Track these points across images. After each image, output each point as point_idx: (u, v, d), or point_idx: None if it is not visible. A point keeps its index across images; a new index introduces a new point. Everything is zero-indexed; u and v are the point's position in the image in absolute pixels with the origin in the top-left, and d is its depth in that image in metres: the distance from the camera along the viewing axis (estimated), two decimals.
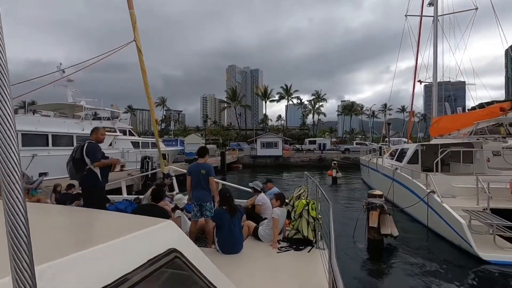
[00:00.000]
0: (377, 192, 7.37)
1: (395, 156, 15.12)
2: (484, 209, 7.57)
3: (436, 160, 10.22)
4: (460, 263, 6.52)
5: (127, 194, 8.87)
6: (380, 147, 18.37)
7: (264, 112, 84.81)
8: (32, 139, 12.87)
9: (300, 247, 4.12)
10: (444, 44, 16.35)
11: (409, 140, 19.75)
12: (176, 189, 8.11)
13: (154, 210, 4.18)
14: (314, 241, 4.26)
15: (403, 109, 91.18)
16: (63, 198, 6.52)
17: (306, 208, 4.37)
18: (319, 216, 4.42)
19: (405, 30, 17.11)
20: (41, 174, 11.38)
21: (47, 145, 13.56)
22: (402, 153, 14.48)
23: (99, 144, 4.48)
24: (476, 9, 15.28)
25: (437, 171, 10.30)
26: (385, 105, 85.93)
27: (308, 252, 4.03)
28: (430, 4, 16.21)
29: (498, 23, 14.14)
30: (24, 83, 6.69)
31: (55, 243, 1.11)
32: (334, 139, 70.09)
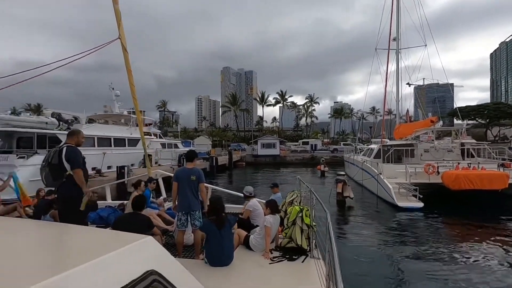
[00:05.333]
0: (342, 172, 12.71)
1: (367, 153, 20.45)
2: (409, 183, 12.85)
3: (387, 155, 15.51)
4: (389, 209, 11.93)
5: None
6: (355, 147, 23.78)
7: (258, 114, 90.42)
8: (102, 141, 17.69)
9: (294, 257, 3.96)
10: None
11: (384, 140, 25.17)
12: (164, 194, 7.84)
13: (136, 220, 3.99)
14: (308, 250, 4.05)
15: (389, 112, 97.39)
16: (41, 203, 6.09)
17: (300, 215, 4.17)
18: (314, 224, 4.20)
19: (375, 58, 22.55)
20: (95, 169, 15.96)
21: (111, 145, 18.38)
22: (371, 151, 19.80)
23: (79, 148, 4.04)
24: (425, 45, 20.81)
25: (388, 162, 15.61)
26: (374, 108, 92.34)
27: (302, 262, 3.86)
28: (394, 39, 21.58)
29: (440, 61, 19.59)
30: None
31: (16, 271, 0.98)
32: (326, 140, 75.70)
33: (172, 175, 7.49)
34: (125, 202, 6.57)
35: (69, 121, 16.29)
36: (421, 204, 11.43)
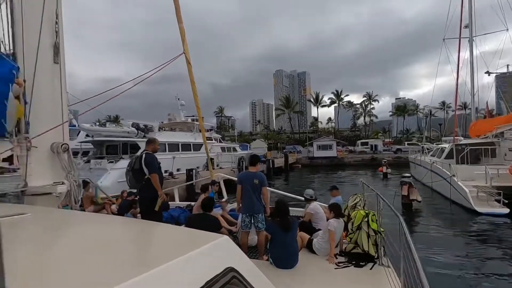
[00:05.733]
0: (407, 174, 12.03)
1: (437, 154, 18.78)
2: (490, 186, 11.53)
3: (461, 155, 14.12)
4: (466, 215, 10.91)
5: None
6: (423, 147, 21.95)
7: (313, 115, 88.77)
8: (172, 147, 19.73)
9: (361, 263, 3.81)
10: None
11: (456, 138, 22.63)
12: (225, 196, 8.18)
13: (206, 220, 4.23)
14: (376, 257, 3.88)
15: (464, 106, 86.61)
16: (123, 204, 7.05)
17: (366, 219, 4.03)
18: (382, 230, 4.00)
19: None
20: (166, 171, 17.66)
21: (179, 150, 20.37)
22: (442, 151, 18.12)
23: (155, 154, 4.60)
24: (507, 30, 18.15)
25: (463, 163, 14.19)
26: (444, 102, 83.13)
27: (370, 269, 3.68)
28: (465, 26, 19.41)
29: None
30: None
31: (107, 264, 1.01)
32: (388, 140, 70.65)
33: (233, 178, 8.28)
34: (192, 203, 7.08)
35: (145, 129, 18.56)
36: (506, 210, 10.16)
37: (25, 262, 1.05)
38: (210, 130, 26.73)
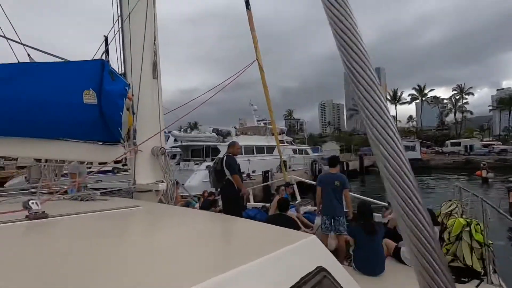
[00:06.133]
0: None
1: None
2: None
3: None
4: None
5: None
6: None
7: (391, 113, 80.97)
8: (247, 150, 20.79)
9: (463, 279, 3.42)
10: None
11: None
12: (298, 198, 8.22)
13: (284, 220, 4.23)
14: (482, 274, 3.45)
15: None
16: (205, 203, 7.54)
17: (467, 229, 3.60)
18: (490, 242, 3.56)
19: None
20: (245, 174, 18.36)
21: (253, 153, 21.36)
22: None
23: (235, 157, 4.95)
24: None
25: None
26: None
27: (477, 286, 3.34)
28: None
29: None
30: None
31: (210, 253, 1.07)
32: (488, 139, 59.89)
33: (306, 180, 8.48)
34: (267, 204, 7.22)
35: (223, 134, 20.14)
36: None
37: (143, 242, 1.28)
38: (282, 133, 27.28)
